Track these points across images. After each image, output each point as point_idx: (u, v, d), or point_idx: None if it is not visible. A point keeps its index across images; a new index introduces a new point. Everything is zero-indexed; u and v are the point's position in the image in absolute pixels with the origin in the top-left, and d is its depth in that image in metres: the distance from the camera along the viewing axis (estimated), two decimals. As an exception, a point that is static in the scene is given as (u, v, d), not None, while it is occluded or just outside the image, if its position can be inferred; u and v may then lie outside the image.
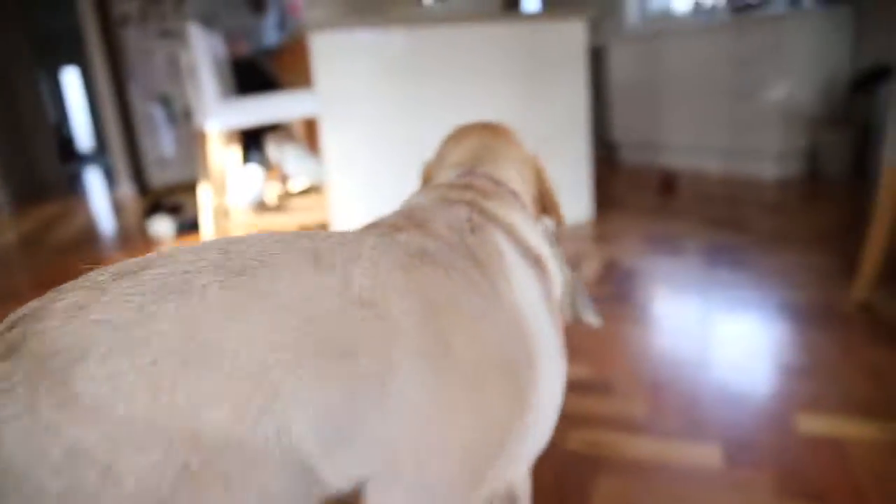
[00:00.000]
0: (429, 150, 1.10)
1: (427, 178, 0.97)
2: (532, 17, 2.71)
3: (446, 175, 0.85)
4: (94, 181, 8.07)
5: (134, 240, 3.72)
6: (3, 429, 0.37)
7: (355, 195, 2.22)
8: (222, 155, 2.58)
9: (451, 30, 2.56)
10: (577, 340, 1.66)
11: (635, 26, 5.07)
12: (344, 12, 4.89)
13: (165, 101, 5.76)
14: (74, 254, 3.46)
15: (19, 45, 7.88)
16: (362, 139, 2.49)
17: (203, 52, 2.41)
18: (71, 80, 13.16)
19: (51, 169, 8.44)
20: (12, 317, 0.44)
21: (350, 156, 2.48)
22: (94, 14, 5.45)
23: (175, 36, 5.62)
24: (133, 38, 5.61)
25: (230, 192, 2.65)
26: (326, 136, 2.44)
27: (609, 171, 4.57)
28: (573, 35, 2.80)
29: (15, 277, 3.00)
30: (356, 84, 2.45)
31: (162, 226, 3.29)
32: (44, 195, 6.91)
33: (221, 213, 2.65)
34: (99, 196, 6.39)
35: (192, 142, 5.78)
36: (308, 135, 3.35)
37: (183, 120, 5.83)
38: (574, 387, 1.44)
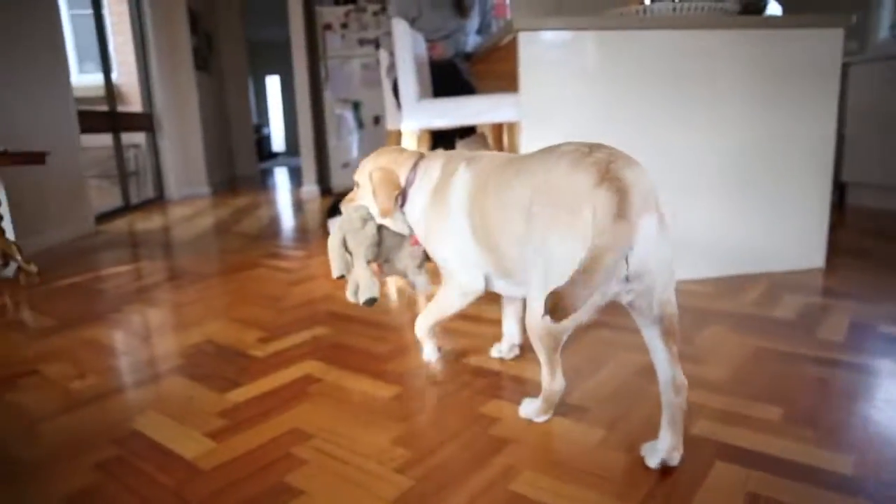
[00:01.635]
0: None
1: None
2: (778, 22, 2.29)
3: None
4: (282, 179, 8.59)
5: (312, 237, 3.76)
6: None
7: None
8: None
9: (677, 34, 2.22)
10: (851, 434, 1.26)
11: (886, 42, 4.30)
12: (556, 12, 4.69)
13: (355, 107, 5.92)
14: (254, 244, 3.57)
15: (237, 54, 8.64)
16: (563, 151, 2.23)
17: (406, 48, 2.30)
18: (273, 86, 14.33)
19: (248, 165, 9.14)
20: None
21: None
22: (303, 24, 5.75)
23: (372, 44, 5.77)
24: (332, 46, 5.84)
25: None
26: (525, 141, 2.21)
27: (836, 214, 3.90)
28: (828, 46, 2.33)
29: (204, 259, 3.12)
30: (563, 88, 2.20)
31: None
32: (239, 187, 7.42)
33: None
34: (285, 193, 6.74)
35: (377, 146, 5.88)
36: (497, 140, 3.16)
37: (370, 126, 5.96)
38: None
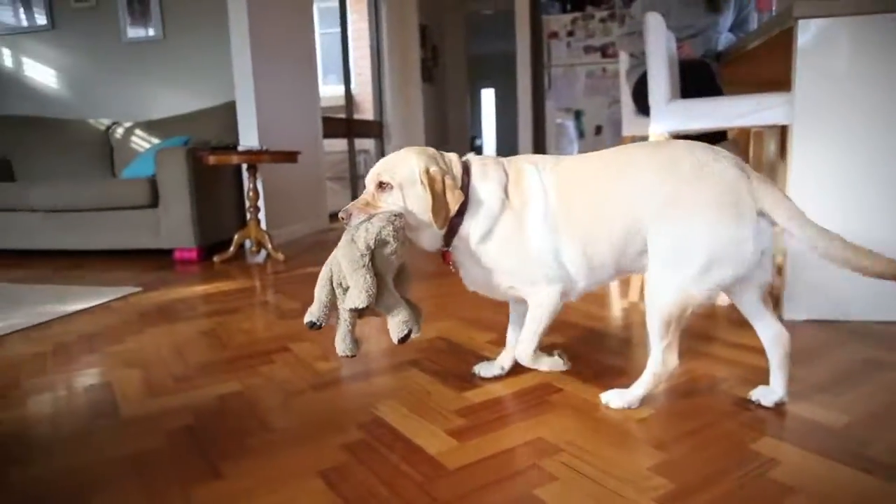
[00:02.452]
0: None
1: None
2: None
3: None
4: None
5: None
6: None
7: (819, 215, 1.66)
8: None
9: None
10: None
11: None
12: None
13: (577, 116, 5.80)
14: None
15: (459, 67, 8.98)
16: (840, 152, 1.91)
17: (659, 43, 2.12)
18: (487, 99, 14.73)
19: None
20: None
21: (819, 170, 1.93)
22: (529, 33, 5.78)
23: (598, 52, 5.62)
24: (557, 55, 5.78)
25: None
26: (797, 148, 1.92)
27: None
28: None
29: (428, 258, 3.20)
30: (848, 86, 1.88)
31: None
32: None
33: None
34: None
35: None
36: (745, 150, 2.84)
37: (591, 135, 5.80)
38: None
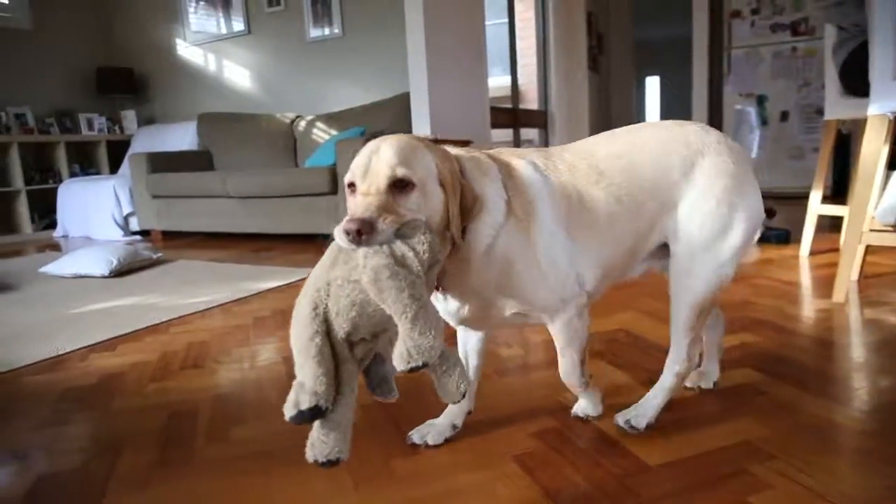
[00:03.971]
0: None
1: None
2: None
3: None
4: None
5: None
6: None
7: None
8: (876, 150, 2.00)
9: None
10: None
11: None
12: None
13: (759, 102, 5.34)
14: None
15: (624, 54, 8.66)
16: None
17: (884, 11, 1.86)
18: (652, 87, 14.07)
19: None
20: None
21: None
22: (707, 13, 5.41)
23: (787, 30, 5.12)
24: (739, 35, 5.36)
25: (872, 201, 2.06)
26: None
27: None
28: None
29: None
30: None
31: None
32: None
33: (856, 224, 2.08)
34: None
35: (783, 146, 5.23)
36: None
37: (776, 122, 5.31)
38: None
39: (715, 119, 5.59)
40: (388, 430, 1.30)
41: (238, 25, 5.51)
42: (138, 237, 5.08)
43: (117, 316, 2.41)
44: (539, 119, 6.37)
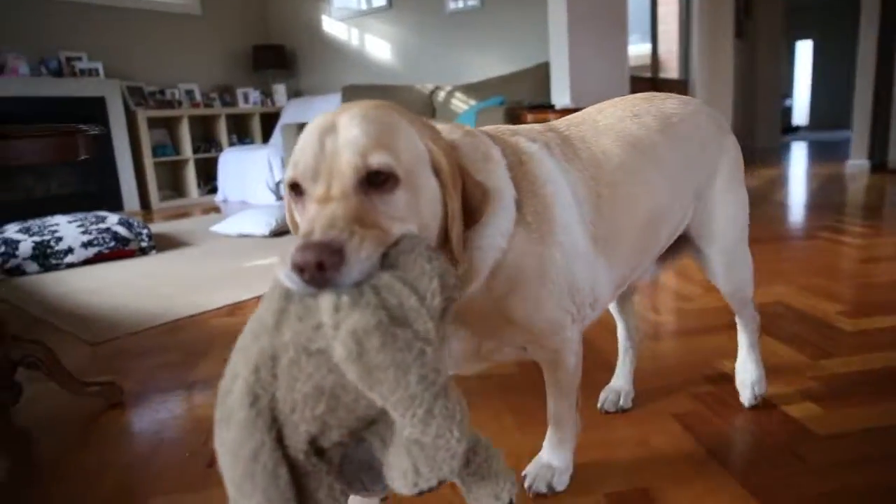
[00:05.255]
0: None
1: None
2: None
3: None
4: (803, 154, 7.69)
5: (875, 216, 3.21)
6: None
7: None
8: None
9: None
10: None
11: None
12: None
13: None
14: (802, 215, 3.26)
15: (773, 17, 8.05)
16: None
17: None
18: (803, 52, 12.94)
19: (769, 137, 8.55)
20: None
21: None
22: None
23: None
24: (915, -7, 4.83)
25: None
26: None
27: None
28: None
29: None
30: None
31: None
32: (758, 160, 6.99)
33: None
34: (820, 167, 6.03)
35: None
36: None
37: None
38: None
39: (883, 86, 5.10)
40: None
41: (378, 1, 5.71)
42: (288, 203, 5.47)
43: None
44: (679, 89, 6.13)
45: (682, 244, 1.12)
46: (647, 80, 5.57)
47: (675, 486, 0.98)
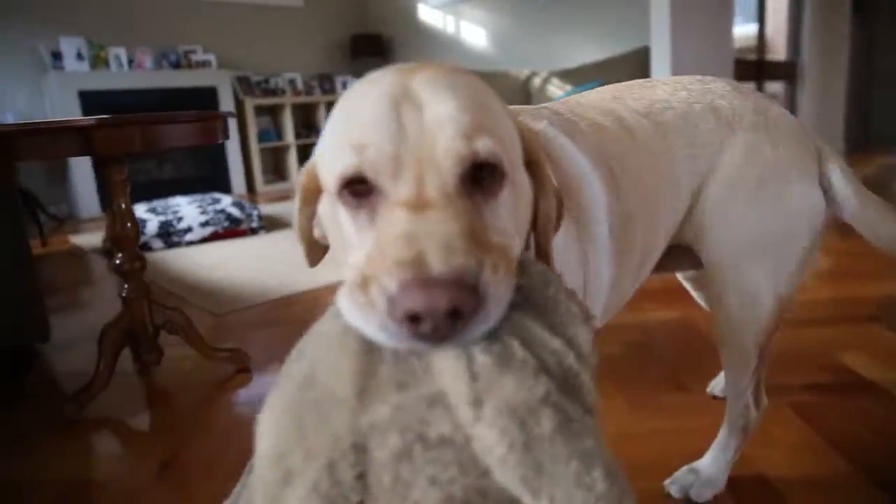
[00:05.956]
0: None
1: None
2: None
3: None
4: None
5: None
6: None
7: None
8: None
9: None
10: None
11: None
12: None
13: None
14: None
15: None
16: None
17: None
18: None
19: (890, 124, 7.96)
20: None
21: None
22: None
23: None
24: None
25: None
26: None
27: None
28: None
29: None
30: None
31: None
32: (877, 148, 6.54)
33: None
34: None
35: None
36: None
37: None
38: None
39: None
40: (651, 368, 1.40)
41: (475, -13, 5.74)
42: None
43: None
44: (787, 71, 5.82)
45: (688, 254, 0.92)
46: (754, 63, 5.33)
47: (795, 475, 0.98)
